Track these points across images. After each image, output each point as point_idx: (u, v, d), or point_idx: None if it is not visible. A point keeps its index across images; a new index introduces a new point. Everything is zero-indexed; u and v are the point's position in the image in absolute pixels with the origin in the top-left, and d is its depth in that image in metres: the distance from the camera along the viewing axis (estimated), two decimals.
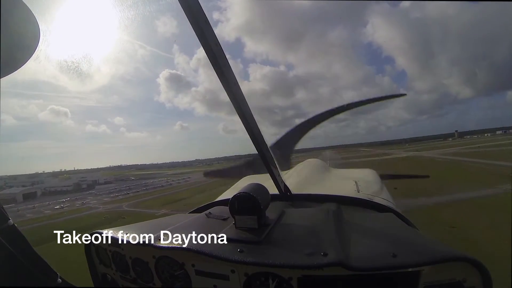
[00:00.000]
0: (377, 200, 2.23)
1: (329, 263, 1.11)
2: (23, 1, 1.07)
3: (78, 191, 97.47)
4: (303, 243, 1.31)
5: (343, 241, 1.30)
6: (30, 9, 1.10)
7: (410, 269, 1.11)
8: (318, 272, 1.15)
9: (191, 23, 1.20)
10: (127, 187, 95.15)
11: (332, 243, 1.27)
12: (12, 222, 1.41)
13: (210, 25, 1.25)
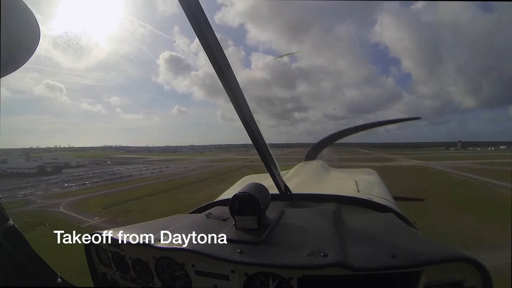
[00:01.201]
0: (377, 200, 2.25)
1: (329, 263, 1.12)
2: (23, 1, 1.06)
3: (41, 174, 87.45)
4: (303, 243, 1.32)
5: (343, 241, 1.31)
6: (30, 9, 1.09)
7: (410, 270, 1.12)
8: (318, 272, 1.16)
9: (191, 23, 1.20)
10: (93, 175, 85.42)
11: (332, 243, 1.28)
12: (12, 223, 1.40)
13: (210, 25, 1.25)
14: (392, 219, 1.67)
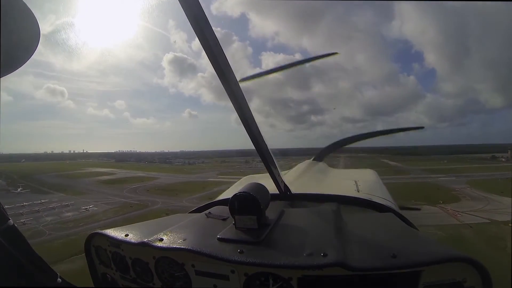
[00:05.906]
0: (377, 200, 2.26)
1: (329, 263, 1.12)
2: (23, 1, 1.07)
3: None
4: (303, 243, 1.32)
5: (343, 241, 1.31)
6: (30, 9, 1.10)
7: (410, 270, 1.12)
8: (318, 272, 1.16)
9: (191, 23, 1.20)
10: None
11: (331, 243, 1.28)
12: (12, 222, 1.40)
13: (210, 25, 1.25)
14: (392, 219, 1.67)
